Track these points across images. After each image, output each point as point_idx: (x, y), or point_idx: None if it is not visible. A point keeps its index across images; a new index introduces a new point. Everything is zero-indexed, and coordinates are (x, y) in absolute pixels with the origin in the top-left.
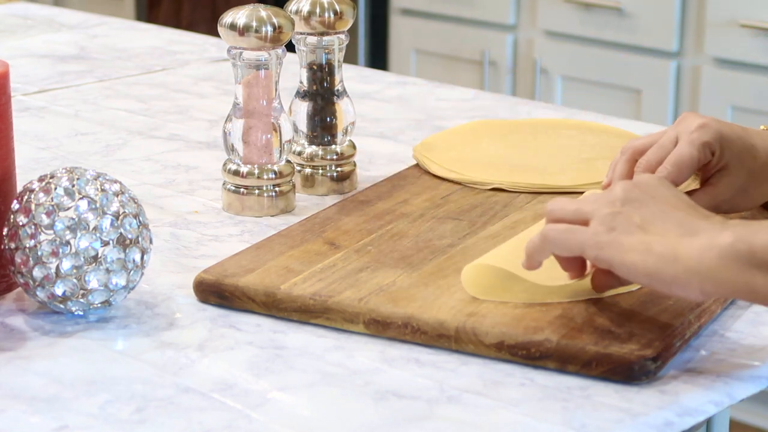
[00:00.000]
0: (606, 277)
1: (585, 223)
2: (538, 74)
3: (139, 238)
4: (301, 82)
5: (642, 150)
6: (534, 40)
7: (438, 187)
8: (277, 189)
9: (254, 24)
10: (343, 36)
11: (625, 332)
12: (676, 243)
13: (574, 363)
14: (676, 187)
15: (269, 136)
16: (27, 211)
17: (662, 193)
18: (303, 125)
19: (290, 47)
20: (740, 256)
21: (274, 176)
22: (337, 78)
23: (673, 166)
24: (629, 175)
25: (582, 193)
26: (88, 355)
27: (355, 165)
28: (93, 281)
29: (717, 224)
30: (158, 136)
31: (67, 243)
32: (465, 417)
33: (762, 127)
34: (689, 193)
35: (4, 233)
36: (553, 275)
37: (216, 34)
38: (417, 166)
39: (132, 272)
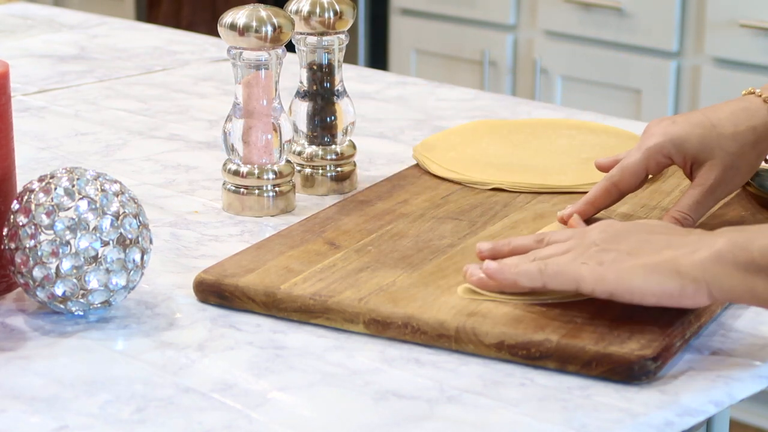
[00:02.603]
0: None
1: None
2: (538, 74)
3: (139, 238)
4: (301, 82)
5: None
6: (534, 40)
7: (438, 187)
8: (277, 189)
9: (254, 24)
10: (343, 36)
11: (625, 332)
12: (674, 258)
13: (574, 363)
14: (626, 195)
15: (269, 136)
16: (27, 211)
17: (638, 225)
18: (303, 125)
19: (290, 47)
20: (739, 263)
21: (274, 176)
22: (337, 78)
23: (618, 170)
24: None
25: (583, 193)
26: (88, 355)
27: (355, 165)
28: (93, 281)
29: (708, 235)
30: (158, 136)
31: (67, 243)
32: (465, 417)
33: (743, 92)
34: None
35: (4, 233)
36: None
37: (216, 34)
38: (417, 166)
39: (132, 272)
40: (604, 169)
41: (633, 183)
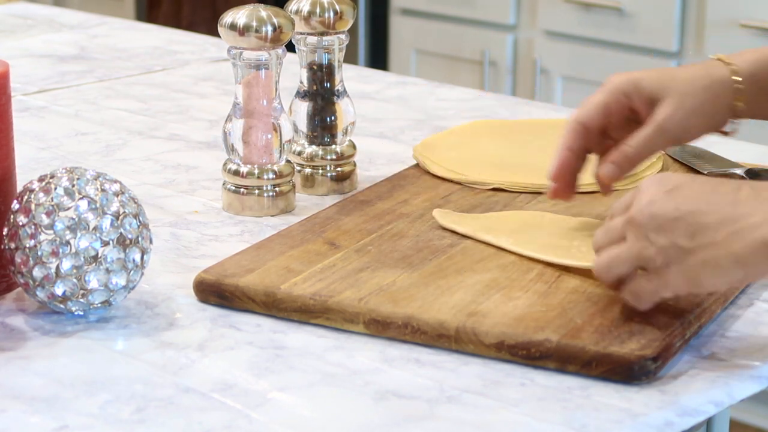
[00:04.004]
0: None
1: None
2: (538, 74)
3: (139, 238)
4: (301, 82)
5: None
6: (534, 40)
7: (438, 187)
8: (277, 189)
9: (254, 24)
10: (343, 36)
11: (625, 332)
12: (730, 248)
13: (574, 363)
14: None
15: (269, 136)
16: (27, 211)
17: (680, 199)
18: (303, 125)
19: (290, 47)
20: None
21: (274, 176)
22: (337, 78)
23: (581, 107)
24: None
25: (583, 192)
26: (88, 355)
27: (355, 165)
28: (93, 281)
29: (753, 212)
30: (158, 136)
31: (67, 243)
32: (465, 417)
33: (711, 56)
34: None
35: (4, 233)
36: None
37: (216, 34)
38: (417, 166)
39: (132, 272)
40: (554, 177)
41: (596, 118)
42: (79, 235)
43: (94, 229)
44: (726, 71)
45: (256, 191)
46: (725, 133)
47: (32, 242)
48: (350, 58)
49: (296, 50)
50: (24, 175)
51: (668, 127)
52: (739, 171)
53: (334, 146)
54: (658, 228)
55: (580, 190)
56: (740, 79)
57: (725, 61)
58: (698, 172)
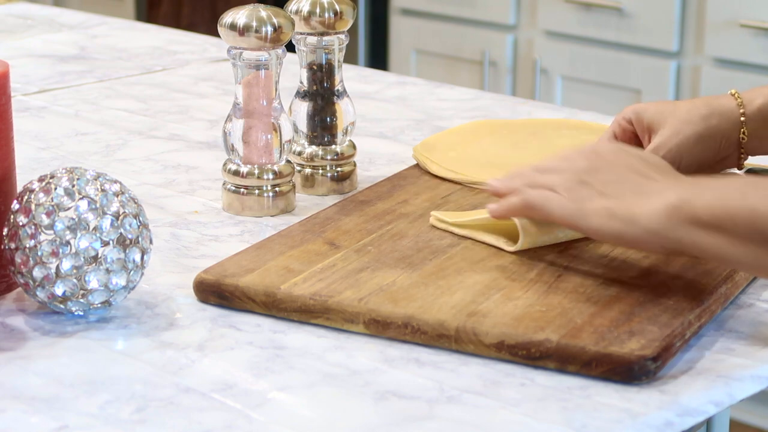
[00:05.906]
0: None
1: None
2: (538, 74)
3: (139, 238)
4: (301, 82)
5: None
6: (534, 40)
7: (438, 187)
8: (277, 189)
9: (254, 24)
10: (343, 36)
11: (625, 332)
12: (632, 205)
13: (574, 363)
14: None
15: (269, 136)
16: (27, 211)
17: (621, 158)
18: (303, 125)
19: (290, 47)
20: (684, 218)
21: (274, 176)
22: (337, 78)
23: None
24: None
25: None
26: (88, 355)
27: (355, 165)
28: (93, 281)
29: (667, 185)
30: (158, 136)
31: (67, 243)
32: (465, 417)
33: (731, 91)
34: None
35: (4, 233)
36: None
37: (216, 34)
38: (417, 166)
39: (132, 272)
40: None
41: None
42: (79, 235)
43: (94, 229)
44: (733, 103)
45: (256, 191)
46: (740, 167)
47: (32, 242)
48: (350, 58)
49: (296, 50)
50: (24, 175)
51: (662, 154)
52: None
53: (334, 146)
54: (588, 169)
55: None
56: (743, 110)
57: (734, 94)
58: None
